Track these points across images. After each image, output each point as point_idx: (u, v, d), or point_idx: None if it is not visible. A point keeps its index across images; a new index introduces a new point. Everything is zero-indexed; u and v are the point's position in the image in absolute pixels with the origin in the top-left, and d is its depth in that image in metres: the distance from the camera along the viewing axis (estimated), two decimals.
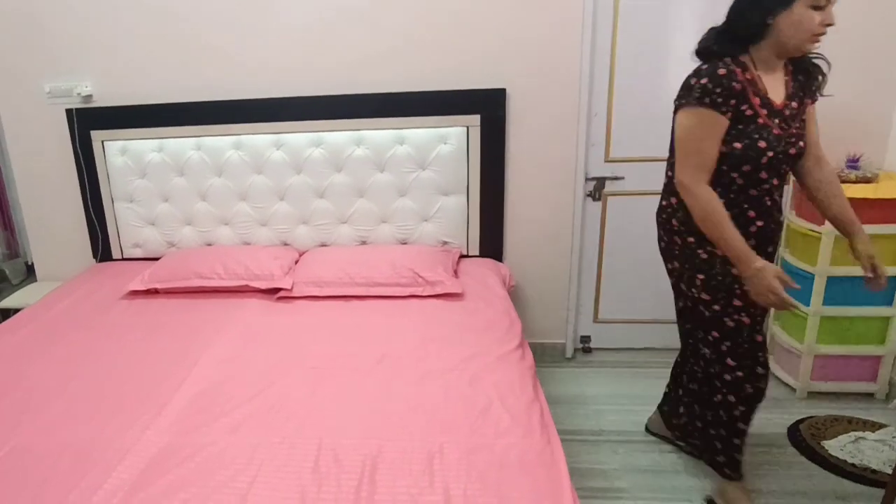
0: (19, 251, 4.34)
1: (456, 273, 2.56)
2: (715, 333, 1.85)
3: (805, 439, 2.28)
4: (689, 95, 1.68)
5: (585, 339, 3.07)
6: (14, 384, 1.86)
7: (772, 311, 2.59)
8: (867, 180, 2.35)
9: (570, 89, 2.65)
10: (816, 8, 1.58)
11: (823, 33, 1.62)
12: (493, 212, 2.79)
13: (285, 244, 2.86)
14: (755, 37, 1.67)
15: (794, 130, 1.72)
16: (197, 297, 2.49)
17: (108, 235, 2.96)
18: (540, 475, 1.38)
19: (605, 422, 2.47)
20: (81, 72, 2.78)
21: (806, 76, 1.76)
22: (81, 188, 2.89)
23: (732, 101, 1.64)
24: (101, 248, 2.97)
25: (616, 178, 2.79)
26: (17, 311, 2.57)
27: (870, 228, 1.96)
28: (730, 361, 1.83)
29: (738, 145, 1.67)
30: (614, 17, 2.59)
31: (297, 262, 2.65)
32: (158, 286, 2.53)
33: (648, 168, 2.75)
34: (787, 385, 2.64)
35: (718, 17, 2.52)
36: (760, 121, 1.67)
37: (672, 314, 2.89)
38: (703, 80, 1.65)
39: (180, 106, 2.73)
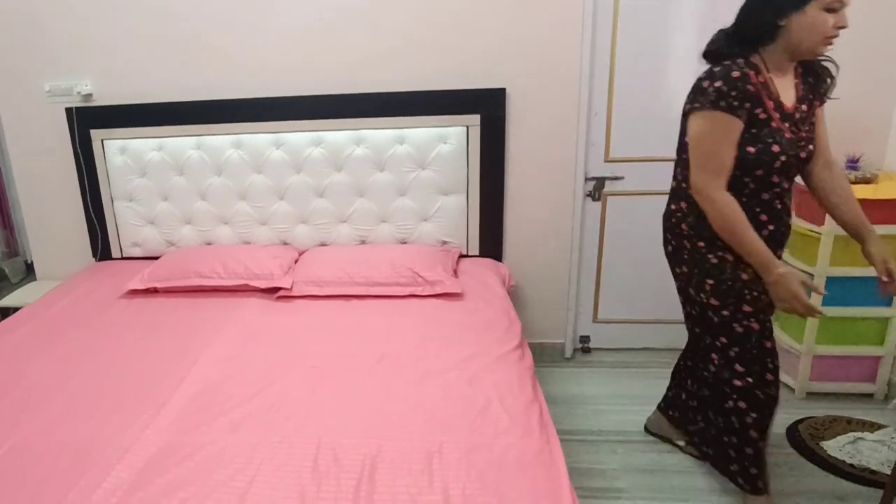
0: (19, 250, 4.34)
1: (455, 273, 2.56)
2: (723, 339, 1.83)
3: (804, 439, 2.28)
4: (703, 99, 1.65)
5: (585, 339, 3.07)
6: (13, 383, 1.86)
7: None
8: (867, 181, 2.35)
9: (569, 89, 2.65)
10: (830, 10, 1.56)
11: (836, 36, 1.60)
12: (493, 211, 2.79)
13: (285, 243, 2.86)
14: (766, 39, 1.65)
15: (805, 134, 1.71)
16: (196, 296, 2.49)
17: (107, 234, 2.96)
18: (539, 475, 1.38)
19: (604, 422, 2.47)
20: (81, 71, 2.78)
21: (815, 78, 1.74)
22: (81, 187, 2.89)
23: (747, 105, 1.62)
24: (101, 247, 2.98)
25: (616, 178, 2.79)
26: (16, 309, 2.57)
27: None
28: (738, 367, 1.82)
29: (751, 149, 1.65)
30: (614, 17, 2.59)
31: (296, 262, 2.65)
32: (158, 285, 2.53)
33: (648, 168, 2.76)
34: (786, 385, 2.65)
35: (718, 16, 2.52)
36: (774, 124, 1.65)
37: (671, 314, 2.93)
38: (718, 83, 1.62)
39: (180, 105, 2.73)
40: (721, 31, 1.75)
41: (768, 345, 1.80)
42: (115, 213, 2.91)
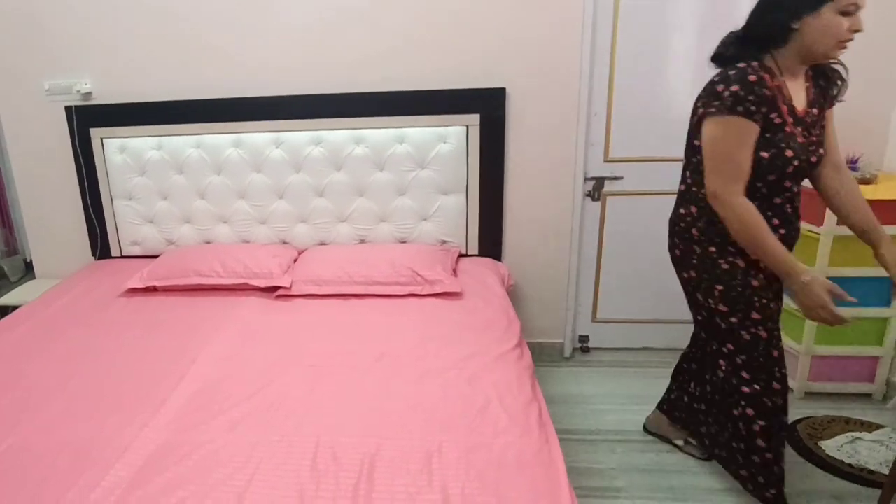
0: (18, 248, 4.34)
1: (455, 272, 2.56)
2: (730, 346, 1.82)
3: (802, 439, 2.28)
4: (719, 103, 1.62)
5: (584, 338, 3.07)
6: (12, 381, 1.86)
7: None
8: (866, 181, 2.35)
9: (569, 89, 2.65)
10: (845, 13, 1.54)
11: (851, 39, 1.58)
12: (493, 211, 2.79)
13: (284, 242, 2.86)
14: (778, 42, 1.62)
15: (815, 138, 1.69)
16: (195, 294, 2.49)
17: (106, 233, 2.95)
18: (538, 474, 1.39)
19: (602, 421, 2.47)
20: (81, 69, 2.78)
21: (826, 81, 1.72)
22: (80, 186, 2.89)
23: (763, 109, 1.60)
24: (100, 246, 2.97)
25: (615, 178, 2.80)
26: (15, 308, 2.57)
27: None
28: (745, 375, 1.81)
29: (764, 154, 1.63)
30: (614, 17, 2.59)
31: (295, 261, 2.65)
32: (157, 284, 2.53)
33: (647, 168, 2.76)
34: None
35: (718, 17, 2.55)
36: (787, 129, 1.63)
37: (670, 314, 2.94)
38: (734, 88, 1.59)
39: (180, 104, 2.73)
40: (731, 34, 1.72)
41: (775, 353, 1.78)
42: (115, 212, 2.91)
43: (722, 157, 1.64)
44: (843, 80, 1.73)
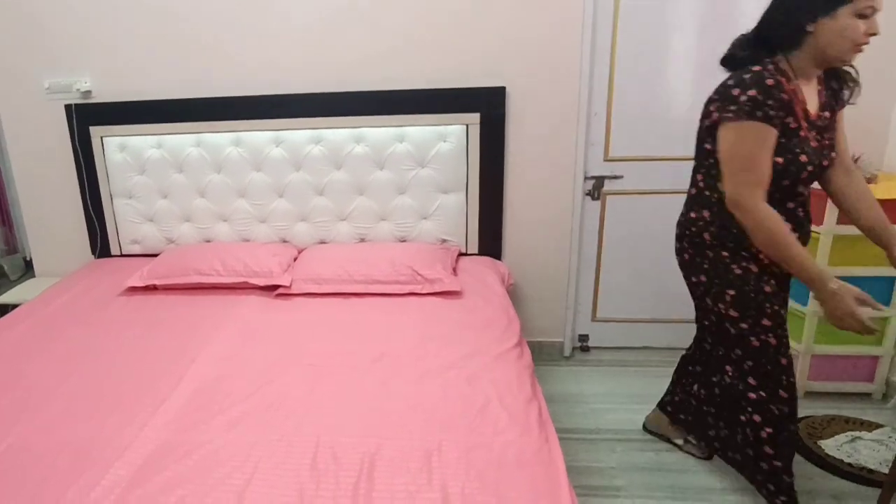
0: (18, 247, 4.34)
1: (455, 271, 2.56)
2: (738, 351, 1.80)
3: (801, 439, 2.28)
4: (736, 108, 1.58)
5: (583, 337, 3.08)
6: (12, 380, 1.86)
7: None
8: (866, 181, 2.34)
9: (569, 88, 2.65)
10: (861, 16, 1.51)
11: (867, 43, 1.55)
12: (493, 210, 2.79)
13: (284, 241, 2.86)
14: (792, 44, 1.60)
15: (827, 141, 1.68)
16: (195, 293, 2.49)
17: (106, 231, 2.95)
18: (538, 473, 1.39)
19: (602, 420, 2.47)
20: (81, 68, 2.78)
21: (838, 83, 1.70)
22: (80, 184, 2.89)
23: (781, 113, 1.57)
24: (100, 245, 2.97)
25: (615, 178, 2.79)
26: (15, 306, 2.57)
27: None
28: (751, 381, 1.80)
29: (779, 160, 1.60)
30: (614, 17, 2.59)
31: (295, 260, 2.65)
32: (157, 283, 2.53)
33: (647, 167, 2.76)
34: None
35: (718, 17, 2.55)
36: (802, 133, 1.61)
37: (670, 314, 2.94)
38: (752, 92, 1.56)
39: (180, 102, 2.73)
40: (742, 36, 1.70)
41: (784, 361, 1.75)
42: (115, 211, 2.91)
43: (742, 164, 1.61)
44: (855, 82, 1.70)
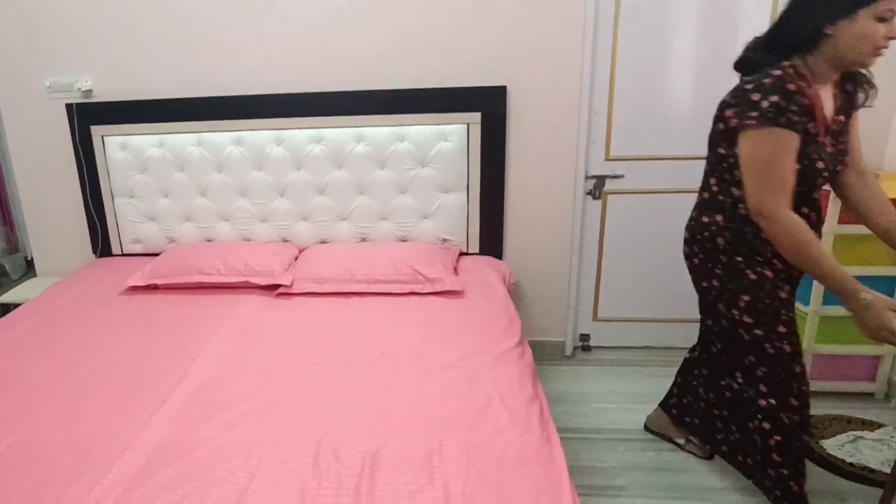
0: (19, 246, 4.34)
1: (456, 270, 2.56)
2: (751, 358, 1.78)
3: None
4: (758, 115, 1.54)
5: (585, 337, 3.07)
6: (13, 379, 1.86)
7: None
8: None
9: (570, 87, 2.65)
10: (881, 19, 1.48)
11: (886, 47, 1.51)
12: (493, 209, 2.79)
13: (285, 240, 2.86)
14: (809, 47, 1.55)
15: (842, 146, 1.66)
16: (196, 292, 2.49)
17: (107, 231, 2.95)
18: (539, 473, 1.39)
19: (604, 420, 2.47)
20: (82, 67, 2.78)
21: (854, 86, 1.67)
22: (81, 183, 2.89)
23: (804, 119, 1.54)
24: (101, 244, 2.97)
25: (616, 177, 2.79)
26: (16, 305, 2.57)
27: (866, 230, 1.96)
28: (762, 388, 1.78)
29: (797, 166, 1.57)
30: (615, 17, 2.59)
31: (296, 259, 2.65)
32: (158, 282, 2.53)
33: (648, 167, 2.76)
34: None
35: (719, 17, 2.55)
36: (819, 139, 1.59)
37: (671, 313, 2.94)
38: (774, 98, 1.52)
39: (181, 101, 2.73)
40: (756, 39, 1.67)
41: (797, 369, 1.73)
42: (116, 210, 2.91)
43: (766, 172, 1.57)
44: (870, 84, 1.66)
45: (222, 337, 2.09)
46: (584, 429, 2.42)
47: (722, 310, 1.81)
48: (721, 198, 1.76)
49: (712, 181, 1.80)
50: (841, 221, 2.29)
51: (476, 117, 2.65)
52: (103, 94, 2.80)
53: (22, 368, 1.93)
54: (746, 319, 1.75)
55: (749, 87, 1.58)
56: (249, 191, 2.81)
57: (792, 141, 1.55)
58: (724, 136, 1.69)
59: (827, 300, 2.44)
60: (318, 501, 1.31)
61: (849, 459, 2.15)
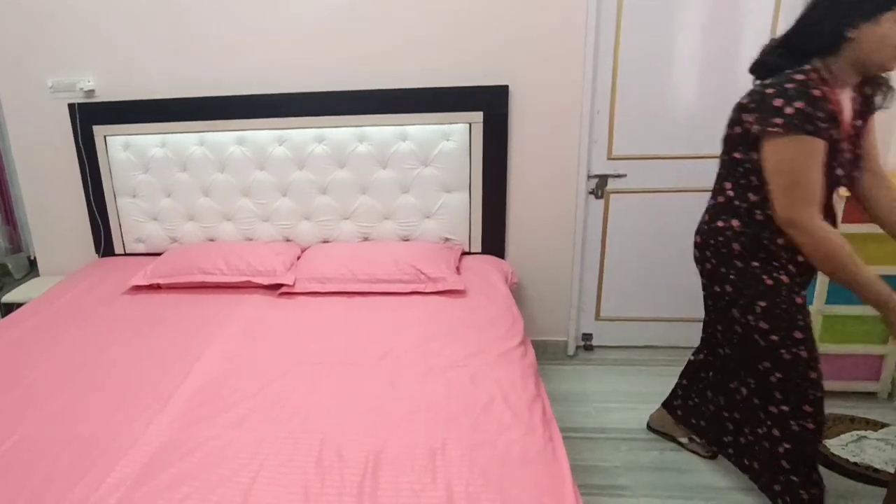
0: (22, 246, 4.35)
1: (458, 270, 2.56)
2: (766, 364, 1.75)
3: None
4: (784, 122, 1.49)
5: (587, 336, 3.07)
6: (17, 378, 1.86)
7: None
8: None
9: (573, 87, 2.65)
10: None
11: None
12: (496, 209, 2.79)
13: (287, 240, 2.86)
14: (829, 50, 1.52)
15: (859, 151, 1.64)
16: (199, 292, 2.49)
17: (110, 230, 2.96)
18: (542, 472, 1.38)
19: (606, 419, 2.47)
20: (84, 66, 2.78)
21: (872, 88, 1.63)
22: (84, 183, 2.89)
23: (830, 125, 1.50)
24: (104, 243, 2.98)
25: (618, 176, 2.79)
26: (19, 305, 2.58)
27: (870, 228, 1.95)
28: (777, 394, 1.75)
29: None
30: (618, 16, 2.59)
31: (299, 258, 2.65)
32: (161, 281, 2.53)
33: (651, 166, 2.76)
34: None
35: (721, 16, 2.54)
36: (840, 145, 1.56)
37: (674, 312, 2.94)
38: (800, 104, 1.48)
39: (183, 101, 2.73)
40: (773, 41, 1.63)
41: (813, 375, 1.70)
42: (118, 209, 2.91)
43: (795, 181, 1.53)
44: (889, 87, 1.62)
45: (225, 336, 2.09)
46: (587, 428, 2.42)
47: (736, 315, 1.78)
48: (737, 202, 1.73)
49: (727, 185, 1.76)
50: (844, 220, 2.28)
51: (478, 117, 2.64)
52: (106, 94, 2.80)
53: (25, 368, 1.93)
54: (762, 325, 1.72)
55: (770, 91, 1.54)
56: (252, 190, 2.81)
57: (819, 148, 1.51)
58: (741, 140, 1.66)
59: (831, 299, 2.43)
60: (321, 500, 1.31)
61: (852, 459, 2.15)
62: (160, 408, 1.68)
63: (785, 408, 1.75)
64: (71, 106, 2.78)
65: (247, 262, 2.52)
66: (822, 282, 2.42)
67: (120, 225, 2.94)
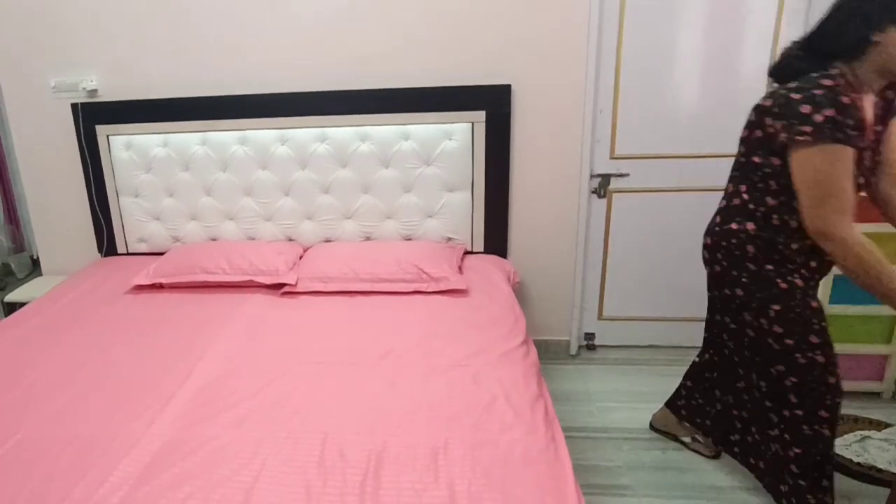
0: (25, 245, 4.36)
1: (460, 269, 2.56)
2: (780, 367, 1.72)
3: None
4: (814, 130, 1.46)
5: (590, 336, 3.07)
6: (20, 377, 1.87)
7: None
8: None
9: (575, 86, 2.64)
10: None
11: None
12: (498, 208, 2.78)
13: (290, 239, 2.86)
14: (853, 54, 1.49)
15: (878, 157, 1.62)
16: (202, 291, 2.49)
17: (113, 230, 2.96)
18: (544, 471, 1.38)
19: (609, 419, 2.47)
20: (87, 66, 2.78)
21: (894, 93, 1.59)
22: (87, 182, 2.90)
23: (859, 133, 1.47)
24: (107, 243, 2.98)
25: (621, 175, 2.78)
26: (22, 304, 2.58)
27: (869, 228, 1.95)
28: (792, 398, 1.72)
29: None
30: (620, 15, 2.58)
31: (301, 258, 2.65)
32: (163, 281, 2.53)
33: (653, 165, 2.75)
34: None
35: (723, 16, 2.54)
36: (864, 153, 1.53)
37: (676, 312, 2.93)
38: (830, 112, 1.44)
39: (185, 101, 2.73)
40: (794, 44, 1.60)
41: (831, 380, 1.67)
42: (121, 209, 2.92)
43: (827, 192, 1.49)
44: None
45: (227, 336, 2.10)
46: (589, 428, 2.42)
47: (748, 319, 1.76)
48: (752, 206, 1.70)
49: (743, 188, 1.73)
50: (857, 220, 2.27)
51: (480, 116, 2.64)
52: (108, 94, 2.81)
53: (27, 367, 1.93)
54: (776, 329, 1.69)
55: (797, 97, 1.50)
56: (254, 190, 2.81)
57: (850, 157, 1.47)
58: (761, 143, 1.63)
59: (833, 299, 2.43)
60: (323, 500, 1.31)
61: (856, 459, 2.14)
62: (162, 407, 1.68)
63: (799, 412, 1.72)
64: (74, 106, 2.79)
65: (249, 262, 2.52)
66: (825, 282, 2.41)
67: (122, 224, 2.95)
